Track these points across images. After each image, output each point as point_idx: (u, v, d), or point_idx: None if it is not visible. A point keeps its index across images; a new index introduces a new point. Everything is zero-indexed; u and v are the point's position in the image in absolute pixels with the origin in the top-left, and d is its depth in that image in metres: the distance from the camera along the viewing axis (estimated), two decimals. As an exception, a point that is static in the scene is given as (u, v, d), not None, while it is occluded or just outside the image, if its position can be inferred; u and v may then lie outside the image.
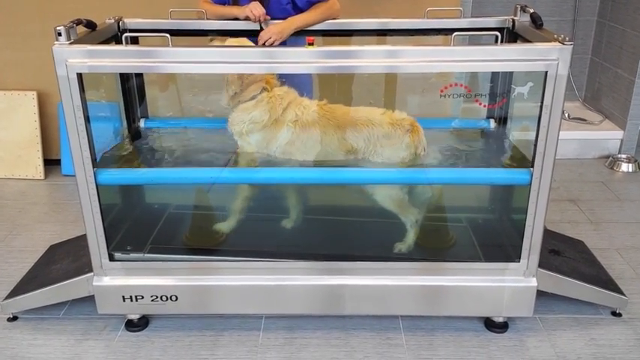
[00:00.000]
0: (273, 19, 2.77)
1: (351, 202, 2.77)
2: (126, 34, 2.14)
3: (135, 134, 2.77)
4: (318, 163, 2.47)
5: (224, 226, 2.61)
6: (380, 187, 2.48)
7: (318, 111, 2.46)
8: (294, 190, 2.69)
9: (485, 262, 2.42)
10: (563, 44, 2.01)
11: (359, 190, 2.55)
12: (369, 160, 2.44)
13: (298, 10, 2.83)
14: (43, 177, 3.92)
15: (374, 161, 2.44)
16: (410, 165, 2.46)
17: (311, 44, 2.08)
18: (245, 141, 2.48)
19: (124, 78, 2.67)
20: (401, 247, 2.52)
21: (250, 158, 2.50)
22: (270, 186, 2.68)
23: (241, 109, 2.46)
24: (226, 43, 2.53)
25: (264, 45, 2.68)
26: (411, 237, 2.52)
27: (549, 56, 2.01)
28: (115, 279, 2.37)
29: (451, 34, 2.07)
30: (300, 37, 2.75)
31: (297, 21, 2.73)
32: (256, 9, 2.68)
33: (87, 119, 2.12)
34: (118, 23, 2.59)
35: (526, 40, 2.39)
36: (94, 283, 2.37)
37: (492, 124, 2.80)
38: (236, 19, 2.74)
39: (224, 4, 2.85)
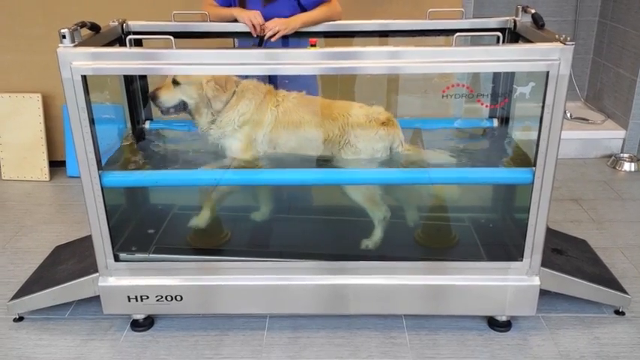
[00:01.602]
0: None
1: (354, 202, 2.78)
2: (130, 37, 2.15)
3: (139, 136, 2.79)
4: (299, 150, 2.50)
5: (199, 221, 2.63)
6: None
7: (297, 97, 2.52)
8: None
9: (488, 261, 2.43)
10: (565, 44, 2.02)
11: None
12: (343, 150, 2.47)
13: (303, 10, 2.85)
14: (48, 178, 3.95)
15: (348, 152, 2.47)
16: (390, 162, 2.50)
17: (313, 45, 2.09)
18: (235, 138, 2.49)
19: (129, 80, 2.69)
20: (367, 243, 2.55)
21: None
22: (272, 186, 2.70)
23: (227, 109, 2.47)
24: None
25: (267, 37, 2.70)
26: (378, 234, 2.55)
27: (551, 56, 2.02)
28: (121, 279, 2.39)
29: (453, 35, 2.08)
30: (302, 38, 2.76)
31: (302, 17, 2.75)
32: (256, 18, 2.69)
33: (91, 121, 2.13)
34: (122, 26, 2.61)
35: (528, 41, 2.40)
36: (100, 284, 2.39)
37: (495, 124, 2.80)
38: (236, 20, 2.75)
39: (230, 5, 2.87)
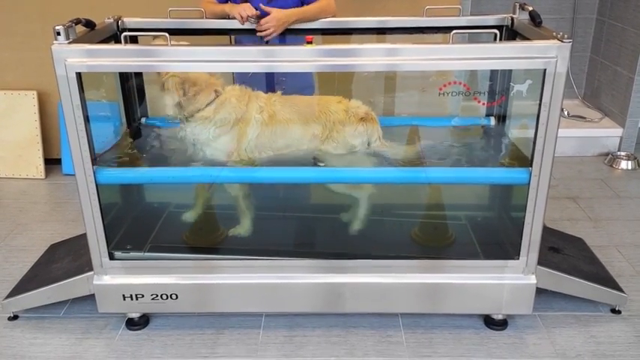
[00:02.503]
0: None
1: (352, 201, 2.77)
2: (125, 34, 2.14)
3: (135, 133, 2.78)
4: (286, 150, 2.50)
5: (188, 216, 2.66)
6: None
7: (279, 100, 2.50)
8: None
9: (485, 259, 2.43)
10: (562, 42, 2.02)
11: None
12: (325, 144, 2.48)
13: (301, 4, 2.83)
14: (43, 176, 3.93)
15: (329, 146, 2.48)
16: (368, 155, 2.52)
17: (310, 43, 2.08)
18: (212, 147, 2.46)
19: (124, 77, 2.67)
20: (349, 217, 2.60)
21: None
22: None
23: (200, 118, 2.43)
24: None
25: (261, 38, 2.68)
26: (362, 211, 2.60)
27: (548, 54, 2.02)
28: (116, 278, 2.38)
29: (450, 32, 2.07)
30: (299, 35, 2.75)
31: (295, 13, 2.72)
32: (246, 10, 2.66)
33: (86, 118, 2.12)
34: (117, 22, 2.59)
35: (525, 38, 2.39)
36: (95, 282, 2.38)
37: (491, 122, 2.80)
38: (229, 17, 2.73)
39: (226, 2, 2.85)
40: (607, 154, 4.19)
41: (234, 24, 2.74)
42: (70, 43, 2.07)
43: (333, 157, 2.49)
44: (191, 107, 2.42)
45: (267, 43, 2.69)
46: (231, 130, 2.45)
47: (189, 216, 2.71)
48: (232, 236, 2.60)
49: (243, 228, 2.61)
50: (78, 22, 2.23)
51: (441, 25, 2.69)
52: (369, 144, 2.52)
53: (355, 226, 2.61)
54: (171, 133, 2.79)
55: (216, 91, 2.44)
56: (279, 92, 2.55)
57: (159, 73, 2.39)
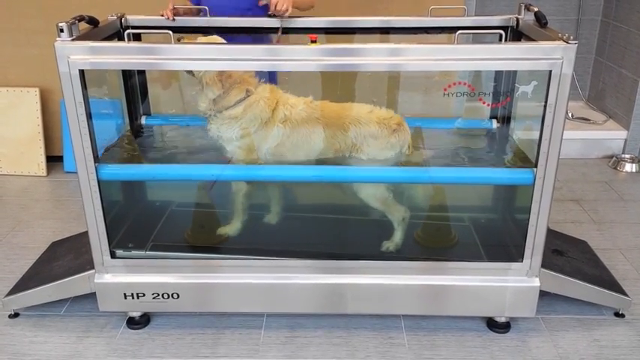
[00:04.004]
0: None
1: (354, 201, 2.76)
2: (128, 31, 2.13)
3: (137, 131, 2.77)
4: (308, 162, 2.46)
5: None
6: (364, 185, 2.47)
7: (306, 109, 2.43)
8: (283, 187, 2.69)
9: (488, 261, 2.42)
10: (568, 43, 2.00)
11: (347, 188, 2.54)
12: (354, 157, 2.43)
13: None
14: (45, 174, 3.92)
15: (359, 159, 2.42)
16: (405, 163, 2.47)
17: (314, 42, 2.07)
18: (235, 146, 2.43)
19: (126, 75, 2.66)
20: (389, 245, 2.52)
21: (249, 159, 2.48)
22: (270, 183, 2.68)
23: (229, 116, 2.39)
24: (197, 41, 2.45)
25: (273, 15, 2.63)
26: (398, 235, 2.52)
27: (554, 55, 2.00)
28: (117, 276, 2.37)
29: (455, 32, 2.06)
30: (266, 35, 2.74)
31: None
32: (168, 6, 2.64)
33: (89, 116, 2.11)
34: (121, 20, 2.59)
35: (530, 39, 2.38)
36: (96, 281, 2.37)
37: (496, 123, 2.79)
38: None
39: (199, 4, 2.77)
40: (611, 157, 4.17)
41: (238, 22, 2.73)
42: (73, 40, 2.06)
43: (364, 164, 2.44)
44: (223, 102, 2.37)
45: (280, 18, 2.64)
46: (254, 133, 2.41)
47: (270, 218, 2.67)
48: (233, 236, 2.58)
49: (233, 227, 2.58)
50: (81, 19, 2.22)
51: (445, 26, 2.68)
52: (400, 153, 2.46)
53: (387, 246, 2.53)
54: (173, 130, 2.79)
55: (247, 90, 2.39)
56: (310, 98, 2.47)
57: (189, 72, 2.36)
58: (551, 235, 2.71)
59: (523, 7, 2.54)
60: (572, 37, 2.02)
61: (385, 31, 2.76)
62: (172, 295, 2.38)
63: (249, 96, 2.40)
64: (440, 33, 2.71)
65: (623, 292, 2.53)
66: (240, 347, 2.37)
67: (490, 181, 2.59)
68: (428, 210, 2.76)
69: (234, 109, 2.39)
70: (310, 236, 2.70)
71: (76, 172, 2.20)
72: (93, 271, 2.37)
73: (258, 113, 2.40)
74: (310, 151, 2.45)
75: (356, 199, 2.49)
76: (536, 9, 2.43)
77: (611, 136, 4.21)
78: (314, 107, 2.45)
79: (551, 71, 2.01)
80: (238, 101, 2.39)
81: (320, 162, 2.45)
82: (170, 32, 2.07)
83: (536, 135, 2.15)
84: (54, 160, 3.99)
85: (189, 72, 2.39)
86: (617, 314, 2.54)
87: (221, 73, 2.33)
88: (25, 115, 3.89)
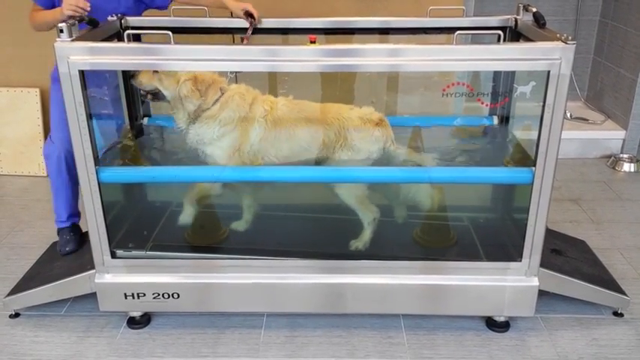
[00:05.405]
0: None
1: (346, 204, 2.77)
2: (128, 32, 2.14)
3: (137, 132, 2.77)
4: (292, 159, 2.47)
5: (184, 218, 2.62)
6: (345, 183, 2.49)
7: (287, 104, 2.47)
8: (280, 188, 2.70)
9: (487, 261, 2.42)
10: (566, 43, 2.01)
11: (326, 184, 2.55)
12: (340, 152, 2.44)
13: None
14: (45, 174, 3.92)
15: (345, 154, 2.44)
16: (383, 160, 2.48)
17: (313, 42, 2.08)
18: (216, 147, 2.43)
19: (127, 76, 2.67)
20: (357, 244, 2.53)
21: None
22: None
23: (206, 117, 2.40)
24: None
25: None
26: (367, 234, 2.54)
27: (552, 55, 2.01)
28: (117, 276, 2.38)
29: (453, 33, 2.07)
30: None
31: None
32: (79, 2, 2.31)
33: (89, 117, 2.12)
34: (120, 21, 2.59)
35: (529, 40, 2.38)
36: (96, 281, 2.38)
37: (495, 123, 2.79)
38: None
39: (54, 6, 2.52)
40: (609, 157, 4.18)
41: (238, 23, 2.73)
42: (73, 40, 2.07)
43: (349, 164, 2.46)
44: (202, 106, 2.39)
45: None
46: (234, 130, 2.43)
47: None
48: (234, 236, 2.59)
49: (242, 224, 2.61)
50: (81, 19, 2.23)
51: (444, 26, 2.68)
52: (384, 149, 2.50)
53: (356, 245, 2.55)
54: (174, 132, 2.79)
55: (221, 88, 2.43)
56: (290, 97, 2.51)
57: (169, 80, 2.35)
58: (550, 234, 2.72)
59: (521, 8, 2.55)
60: (570, 38, 2.03)
61: (384, 31, 2.76)
62: (173, 294, 2.38)
63: (223, 94, 2.42)
64: (439, 33, 2.71)
65: (622, 292, 2.54)
66: (241, 347, 2.38)
67: (489, 180, 2.60)
68: (427, 210, 2.76)
69: (211, 110, 2.41)
70: (310, 236, 2.71)
71: (76, 173, 2.21)
72: (93, 271, 2.38)
73: (235, 107, 2.42)
74: (295, 146, 2.46)
75: (335, 196, 2.52)
76: (534, 9, 2.43)
77: (610, 135, 4.22)
78: (295, 104, 2.49)
79: (549, 71, 2.02)
80: (215, 101, 2.41)
81: (306, 159, 2.47)
82: (170, 33, 2.08)
83: (534, 135, 2.16)
84: (54, 160, 3.99)
85: (154, 97, 2.42)
86: (615, 313, 2.55)
87: (195, 81, 2.35)
88: (25, 115, 3.89)
